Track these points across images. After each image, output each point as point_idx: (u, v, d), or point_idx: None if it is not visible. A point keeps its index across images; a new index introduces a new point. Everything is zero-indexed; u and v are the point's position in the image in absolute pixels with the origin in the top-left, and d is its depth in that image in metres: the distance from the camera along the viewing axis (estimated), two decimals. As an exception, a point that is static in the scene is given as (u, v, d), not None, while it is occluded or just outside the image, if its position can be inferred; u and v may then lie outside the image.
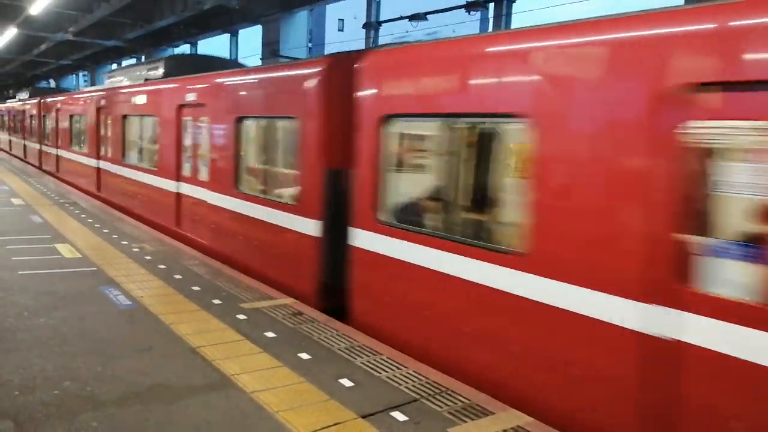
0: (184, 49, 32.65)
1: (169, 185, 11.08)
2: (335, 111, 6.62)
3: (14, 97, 37.40)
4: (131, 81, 14.41)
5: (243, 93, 8.85)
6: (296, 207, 7.20)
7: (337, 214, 6.46)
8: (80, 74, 47.64)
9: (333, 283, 6.62)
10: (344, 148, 6.37)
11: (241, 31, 27.45)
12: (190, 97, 10.23)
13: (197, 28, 28.21)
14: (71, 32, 29.11)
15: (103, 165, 15.35)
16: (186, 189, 10.50)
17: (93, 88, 21.75)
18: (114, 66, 36.57)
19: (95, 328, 5.67)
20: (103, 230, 10.67)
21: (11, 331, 5.47)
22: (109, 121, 14.93)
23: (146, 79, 13.55)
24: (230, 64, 13.40)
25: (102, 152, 15.46)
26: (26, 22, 27.05)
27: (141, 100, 12.71)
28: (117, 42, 30.92)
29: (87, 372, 4.68)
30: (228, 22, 26.20)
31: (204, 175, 9.77)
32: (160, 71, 13.07)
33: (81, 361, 4.88)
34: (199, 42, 31.46)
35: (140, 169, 12.75)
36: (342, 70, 6.53)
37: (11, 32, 27.42)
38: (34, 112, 24.89)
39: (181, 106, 10.60)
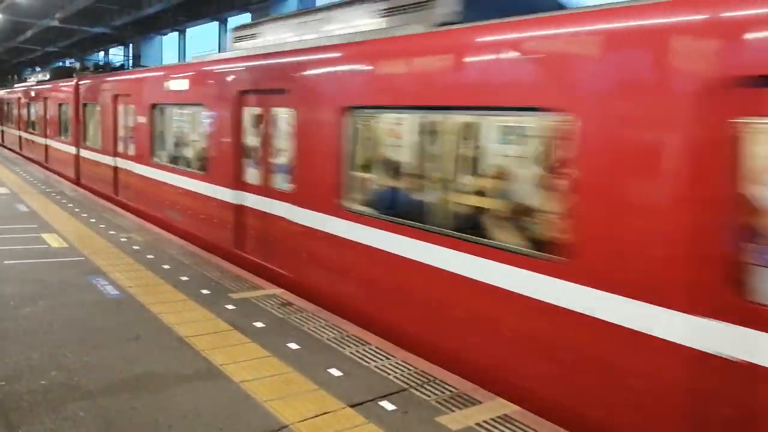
0: (173, 36, 32.29)
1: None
2: None
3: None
4: None
5: None
6: None
7: None
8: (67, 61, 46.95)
9: None
10: None
11: (230, 19, 27.21)
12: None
13: (186, 16, 27.97)
14: (58, 18, 28.72)
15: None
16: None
17: None
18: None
19: (82, 318, 5.63)
20: (90, 220, 10.58)
21: (-3, 321, 5.43)
22: None
23: None
24: None
25: None
26: (11, 7, 26.66)
27: None
28: (104, 29, 30.58)
29: (74, 361, 4.66)
30: (217, 9, 25.99)
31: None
32: None
33: (68, 351, 4.85)
34: (187, 30, 31.17)
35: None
36: None
37: (-4, 18, 26.85)
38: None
39: None
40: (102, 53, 43.53)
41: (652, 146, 3.79)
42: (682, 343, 3.58)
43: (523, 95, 4.59)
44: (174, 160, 10.89)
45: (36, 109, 21.48)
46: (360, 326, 5.73)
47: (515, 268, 4.52)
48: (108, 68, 23.03)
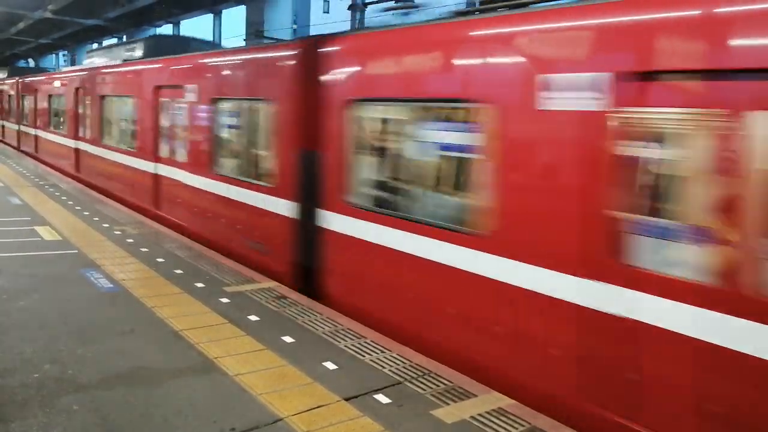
0: (167, 29, 32.07)
1: None
2: None
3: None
4: None
5: None
6: None
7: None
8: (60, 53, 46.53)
9: None
10: None
11: (224, 12, 27.02)
12: None
13: (180, 8, 27.76)
14: (50, 10, 28.43)
15: None
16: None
17: None
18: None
19: (76, 311, 5.61)
20: (84, 212, 10.53)
21: (-10, 314, 5.40)
22: None
23: None
24: None
25: None
26: (3, -2, 26.40)
27: None
28: (98, 21, 30.33)
29: (68, 355, 4.64)
30: (211, 1, 25.80)
31: None
32: None
33: (61, 344, 4.83)
34: (181, 22, 30.95)
35: None
36: None
37: (-12, 9, 26.57)
38: None
39: None
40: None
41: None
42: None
43: None
44: None
45: None
46: None
47: None
48: None
